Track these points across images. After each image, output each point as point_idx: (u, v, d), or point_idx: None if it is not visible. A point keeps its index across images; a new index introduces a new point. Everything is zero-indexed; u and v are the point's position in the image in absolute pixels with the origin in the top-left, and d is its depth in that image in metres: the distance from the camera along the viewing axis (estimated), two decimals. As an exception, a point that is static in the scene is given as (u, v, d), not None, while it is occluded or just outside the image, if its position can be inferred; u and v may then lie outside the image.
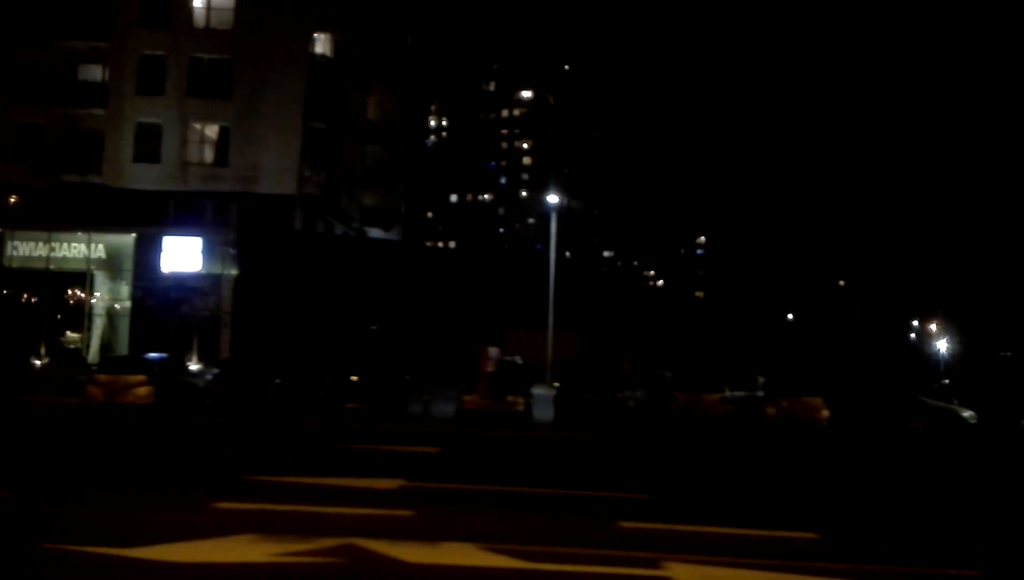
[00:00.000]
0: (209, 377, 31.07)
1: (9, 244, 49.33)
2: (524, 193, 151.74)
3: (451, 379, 29.60)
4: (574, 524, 11.47)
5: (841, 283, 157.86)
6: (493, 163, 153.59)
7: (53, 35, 48.91)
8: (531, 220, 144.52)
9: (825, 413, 25.67)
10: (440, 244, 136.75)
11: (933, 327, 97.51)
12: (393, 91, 65.19)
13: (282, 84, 49.01)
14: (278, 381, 27.34)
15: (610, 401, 26.23)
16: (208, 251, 49.11)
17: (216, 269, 49.16)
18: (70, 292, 49.85)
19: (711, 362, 45.43)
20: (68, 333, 50.04)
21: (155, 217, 49.44)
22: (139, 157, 49.09)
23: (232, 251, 48.80)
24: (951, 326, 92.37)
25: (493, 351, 27.40)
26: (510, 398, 25.81)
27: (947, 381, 48.53)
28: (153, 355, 31.63)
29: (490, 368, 26.64)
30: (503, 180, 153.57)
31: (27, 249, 49.39)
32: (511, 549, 9.73)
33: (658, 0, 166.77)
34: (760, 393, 27.26)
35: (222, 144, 49.69)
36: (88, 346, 49.41)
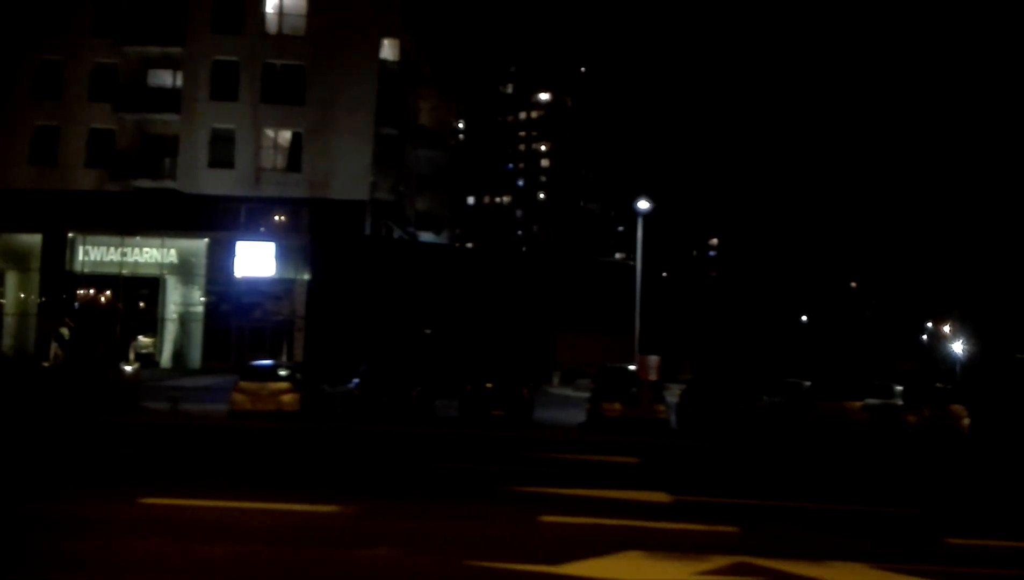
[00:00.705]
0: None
1: (81, 249, 49.53)
2: (542, 195, 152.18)
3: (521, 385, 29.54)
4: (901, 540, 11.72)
5: (853, 285, 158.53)
6: (511, 165, 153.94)
7: (126, 40, 49.05)
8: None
9: (967, 421, 26.10)
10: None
11: (947, 329, 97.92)
12: (443, 95, 65.55)
13: (353, 90, 49.26)
14: (419, 388, 27.53)
15: (748, 409, 26.47)
16: (281, 256, 49.37)
17: (289, 274, 49.44)
18: (143, 297, 50.11)
19: (756, 362, 46.02)
20: (140, 338, 50.11)
21: (227, 222, 49.73)
22: (213, 163, 49.31)
23: (305, 256, 49.10)
24: (966, 328, 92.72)
25: (653, 360, 27.69)
26: (656, 407, 26.09)
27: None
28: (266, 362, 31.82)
29: (652, 377, 26.92)
30: (520, 182, 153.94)
31: (99, 254, 49.58)
32: (899, 568, 10.00)
33: (674, 2, 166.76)
34: (899, 401, 27.66)
35: (294, 150, 49.94)
36: (160, 351, 49.63)
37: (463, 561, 9.62)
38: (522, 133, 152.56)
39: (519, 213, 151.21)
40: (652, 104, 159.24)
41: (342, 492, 13.41)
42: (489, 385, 27.30)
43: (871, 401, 27.60)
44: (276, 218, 49.79)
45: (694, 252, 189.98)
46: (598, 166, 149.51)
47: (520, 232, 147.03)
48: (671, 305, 59.71)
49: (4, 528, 10.68)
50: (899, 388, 29.08)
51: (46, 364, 43.44)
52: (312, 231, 49.29)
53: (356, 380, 28.20)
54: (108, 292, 49.89)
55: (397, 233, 56.81)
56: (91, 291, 49.87)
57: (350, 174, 49.36)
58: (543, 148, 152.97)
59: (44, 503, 12.21)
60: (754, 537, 11.36)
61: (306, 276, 49.28)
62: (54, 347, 47.51)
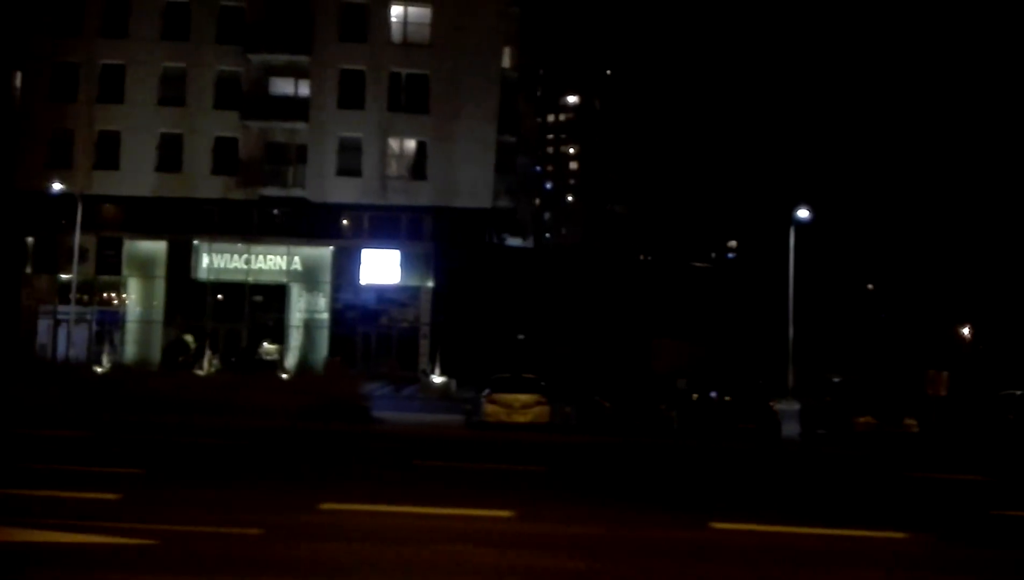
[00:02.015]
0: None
1: (206, 256, 49.83)
2: (570, 198, 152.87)
3: (766, 397, 30.01)
4: None
5: (870, 287, 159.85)
6: (539, 168, 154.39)
7: (252, 48, 49.35)
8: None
9: None
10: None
11: (966, 332, 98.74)
12: (530, 102, 66.15)
13: (476, 98, 49.67)
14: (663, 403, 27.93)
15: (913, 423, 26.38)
16: (405, 263, 49.80)
17: (413, 281, 49.87)
18: (267, 304, 50.41)
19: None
20: (265, 344, 50.55)
21: (351, 230, 50.12)
22: (341, 171, 49.63)
23: (428, 263, 49.56)
24: (985, 332, 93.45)
25: (942, 375, 27.96)
26: (907, 421, 26.54)
27: None
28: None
29: (942, 392, 27.25)
30: (548, 185, 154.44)
31: (223, 261, 49.90)
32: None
33: (702, 5, 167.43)
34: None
35: (419, 158, 50.32)
36: (285, 358, 49.91)
37: None
38: (550, 136, 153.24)
39: (547, 216, 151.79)
40: (681, 105, 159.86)
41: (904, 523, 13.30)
42: (727, 397, 27.74)
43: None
44: (400, 226, 50.16)
45: (712, 254, 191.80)
46: (625, 168, 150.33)
47: (548, 235, 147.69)
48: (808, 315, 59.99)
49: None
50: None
51: (199, 372, 43.90)
52: (435, 238, 49.72)
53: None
54: (233, 299, 50.25)
55: (508, 240, 57.44)
56: (218, 297, 50.24)
57: (473, 182, 49.76)
58: (571, 150, 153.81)
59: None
60: None
61: (430, 283, 49.72)
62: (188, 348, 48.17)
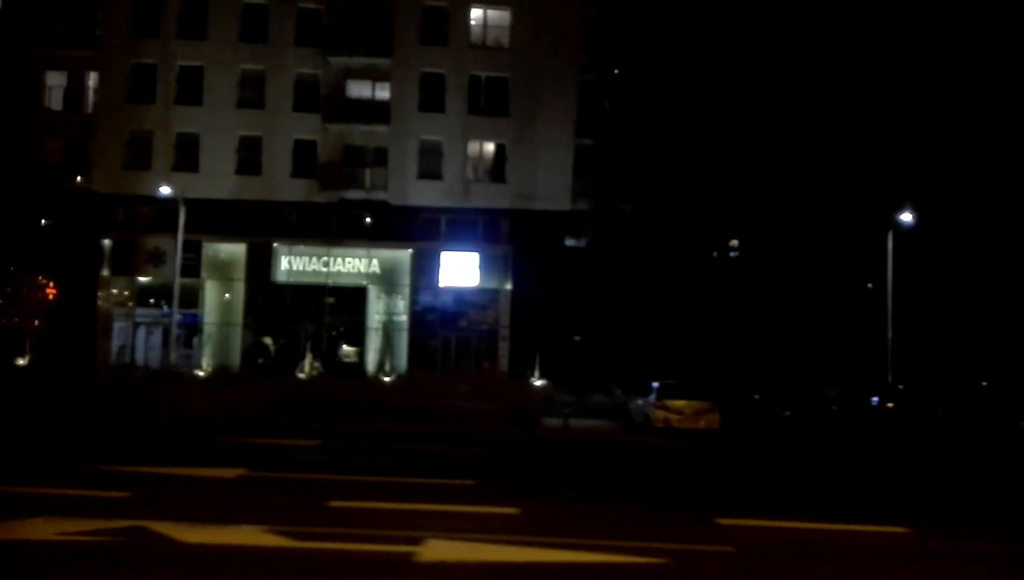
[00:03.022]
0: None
1: (284, 258, 49.72)
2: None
3: None
4: None
5: (870, 286, 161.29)
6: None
7: (332, 51, 49.30)
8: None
9: None
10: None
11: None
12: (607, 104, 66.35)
13: (554, 101, 49.84)
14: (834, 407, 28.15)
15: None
16: (483, 266, 49.90)
17: (492, 284, 49.96)
18: (346, 307, 50.34)
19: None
20: (344, 347, 50.52)
21: (429, 232, 50.13)
22: (422, 174, 49.66)
23: (506, 266, 49.66)
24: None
25: None
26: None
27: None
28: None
29: None
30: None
31: (301, 264, 49.81)
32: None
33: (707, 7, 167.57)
34: None
35: (498, 161, 50.43)
36: (364, 360, 49.91)
37: None
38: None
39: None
40: (689, 105, 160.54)
41: None
42: (889, 404, 27.84)
43: None
44: (477, 228, 50.24)
45: (714, 253, 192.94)
46: (634, 168, 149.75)
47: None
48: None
49: None
50: None
51: (302, 376, 43.87)
52: (514, 241, 49.83)
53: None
54: (311, 302, 50.19)
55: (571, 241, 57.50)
56: (297, 300, 50.13)
57: (552, 185, 49.94)
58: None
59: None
60: None
61: (508, 286, 49.83)
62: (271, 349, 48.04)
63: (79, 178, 50.35)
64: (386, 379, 42.45)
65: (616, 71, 53.38)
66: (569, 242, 63.01)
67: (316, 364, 44.69)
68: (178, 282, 45.86)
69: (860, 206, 52.65)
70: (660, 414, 26.99)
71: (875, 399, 27.67)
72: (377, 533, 10.70)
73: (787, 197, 57.63)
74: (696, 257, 60.34)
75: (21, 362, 42.62)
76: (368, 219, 50.05)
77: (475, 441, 22.26)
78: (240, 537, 10.25)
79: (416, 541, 10.24)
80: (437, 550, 9.96)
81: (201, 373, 43.41)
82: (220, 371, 47.68)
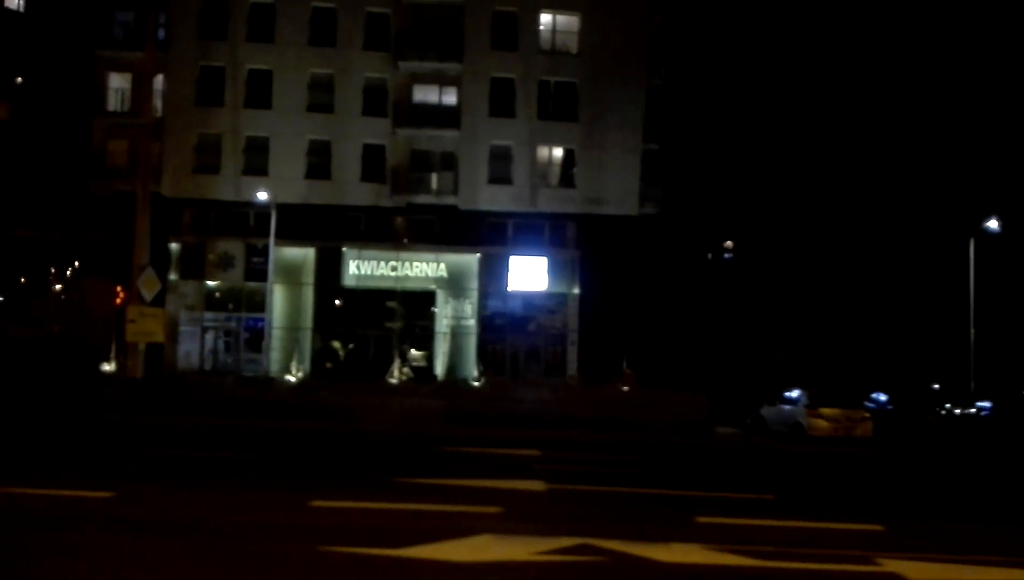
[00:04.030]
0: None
1: (352, 263, 49.70)
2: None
3: None
4: None
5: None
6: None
7: (402, 56, 49.26)
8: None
9: None
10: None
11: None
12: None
13: (622, 106, 50.06)
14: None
15: None
16: (551, 270, 50.10)
17: (560, 288, 50.17)
18: (414, 311, 50.35)
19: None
20: (413, 351, 50.52)
21: (496, 237, 50.23)
22: (493, 179, 49.76)
23: (574, 270, 49.89)
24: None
25: None
26: None
27: None
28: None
29: None
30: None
31: (369, 268, 49.81)
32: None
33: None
34: None
35: (567, 166, 50.60)
36: (432, 364, 49.95)
37: None
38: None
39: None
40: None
41: None
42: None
43: None
44: (544, 233, 50.41)
45: (709, 255, 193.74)
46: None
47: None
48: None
49: None
50: None
51: (392, 382, 43.79)
52: (581, 246, 50.03)
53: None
54: (379, 306, 50.19)
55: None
56: (365, 304, 50.12)
57: (620, 189, 50.20)
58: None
59: None
60: None
61: (576, 290, 50.04)
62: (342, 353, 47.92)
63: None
64: (475, 384, 42.48)
65: (680, 76, 53.54)
66: (637, 246, 63.45)
67: (406, 369, 44.66)
68: (270, 286, 45.71)
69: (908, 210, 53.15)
70: (817, 423, 27.15)
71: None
72: (820, 551, 10.82)
73: (844, 202, 58.03)
74: (751, 259, 60.57)
75: (107, 368, 42.29)
76: (435, 223, 50.06)
77: (678, 450, 22.47)
78: (698, 556, 10.29)
79: (867, 560, 10.42)
80: (899, 568, 10.14)
81: (292, 378, 43.26)
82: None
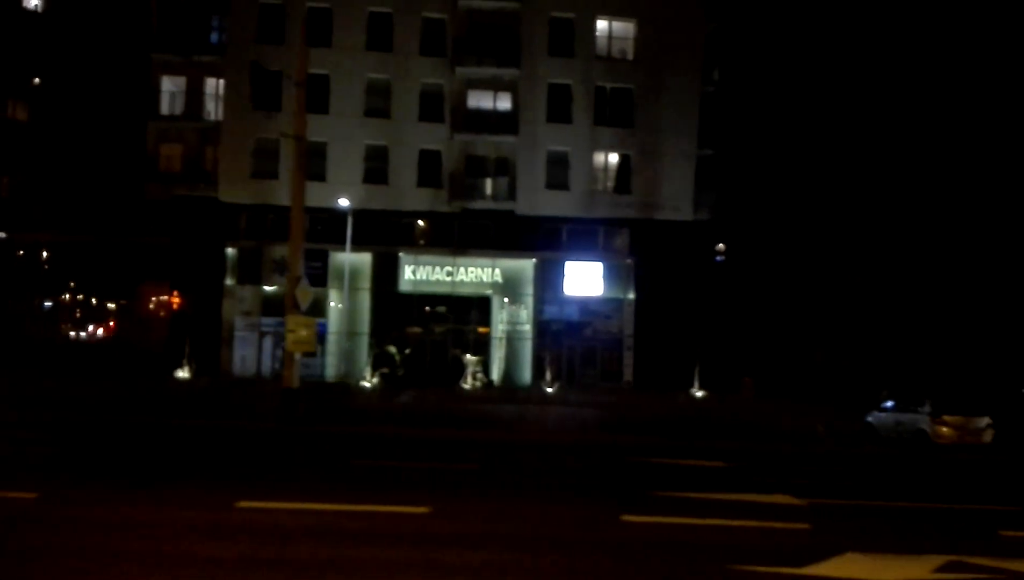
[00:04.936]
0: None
1: (408, 268, 49.75)
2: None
3: None
4: None
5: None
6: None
7: (459, 61, 49.35)
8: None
9: None
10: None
11: None
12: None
13: (677, 112, 50.34)
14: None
15: None
16: (607, 275, 50.35)
17: (615, 293, 50.41)
18: (470, 316, 50.46)
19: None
20: (468, 356, 50.53)
21: (551, 242, 50.39)
22: (550, 184, 49.94)
23: (629, 275, 50.15)
24: None
25: None
26: None
27: None
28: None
29: None
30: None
31: (425, 273, 49.88)
32: None
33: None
34: None
35: (623, 171, 50.84)
36: (487, 369, 49.99)
37: None
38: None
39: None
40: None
41: None
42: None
43: None
44: (599, 238, 50.65)
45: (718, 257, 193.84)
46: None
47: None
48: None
49: None
50: None
51: (467, 387, 43.88)
52: (636, 251, 50.28)
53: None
54: (435, 311, 50.30)
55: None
56: (421, 309, 50.22)
57: (674, 195, 50.51)
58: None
59: None
60: None
61: (631, 295, 50.28)
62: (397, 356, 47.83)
63: (200, 185, 49.84)
64: (548, 390, 42.64)
65: (733, 81, 53.90)
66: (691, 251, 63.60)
67: (480, 375, 44.72)
68: (345, 292, 45.56)
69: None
70: (943, 430, 27.30)
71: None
72: None
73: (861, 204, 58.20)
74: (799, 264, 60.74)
75: (182, 374, 42.13)
76: (490, 229, 50.15)
77: (847, 459, 22.59)
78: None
79: None
80: None
81: (367, 384, 43.26)
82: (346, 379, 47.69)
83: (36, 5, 75.40)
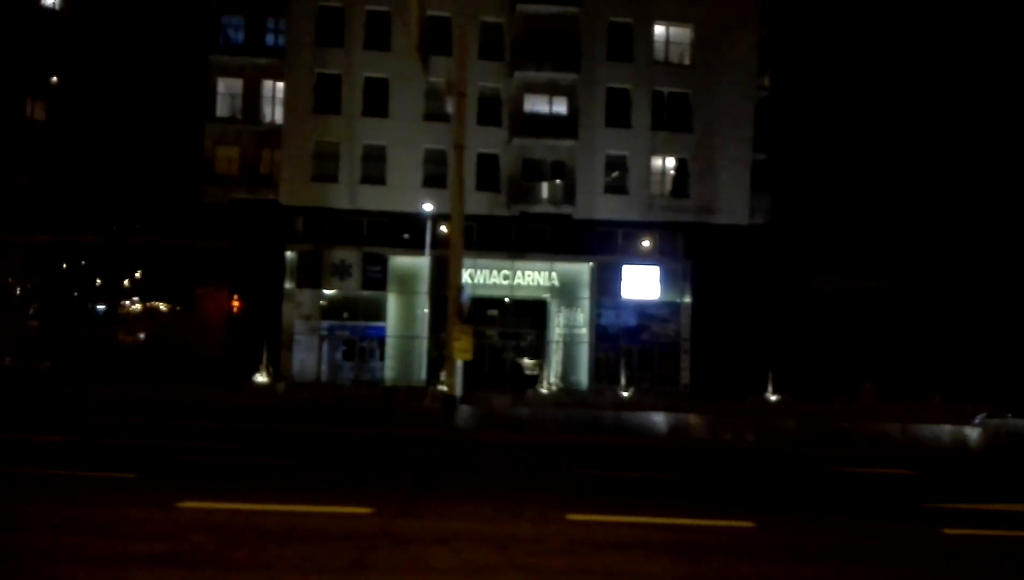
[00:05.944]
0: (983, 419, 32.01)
1: (466, 271, 49.59)
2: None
3: None
4: None
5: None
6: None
7: (519, 66, 49.46)
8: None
9: None
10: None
11: None
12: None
13: (733, 117, 50.59)
14: None
15: None
16: (663, 279, 50.55)
17: (673, 297, 50.62)
18: (527, 319, 50.57)
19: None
20: (525, 360, 50.74)
21: (607, 246, 50.58)
22: (609, 189, 50.11)
23: (685, 279, 50.38)
24: None
25: None
26: None
27: None
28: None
29: None
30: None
31: (483, 276, 49.96)
32: None
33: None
34: None
35: (680, 175, 51.04)
36: (545, 373, 50.13)
37: None
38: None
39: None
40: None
41: None
42: None
43: None
44: (656, 242, 50.84)
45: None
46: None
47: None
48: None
49: None
50: None
51: (544, 391, 43.88)
52: (692, 255, 50.51)
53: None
54: (492, 315, 50.41)
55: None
56: (486, 313, 50.27)
57: (730, 199, 50.77)
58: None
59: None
60: None
61: (687, 299, 50.51)
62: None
63: (258, 188, 49.79)
64: (624, 394, 42.79)
65: (789, 86, 54.17)
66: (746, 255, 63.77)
67: (554, 379, 44.82)
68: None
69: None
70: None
71: None
72: None
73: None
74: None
75: (261, 379, 42.10)
76: (547, 233, 50.30)
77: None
78: None
79: None
80: None
81: (444, 387, 43.26)
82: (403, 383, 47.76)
83: (54, 3, 74.93)
